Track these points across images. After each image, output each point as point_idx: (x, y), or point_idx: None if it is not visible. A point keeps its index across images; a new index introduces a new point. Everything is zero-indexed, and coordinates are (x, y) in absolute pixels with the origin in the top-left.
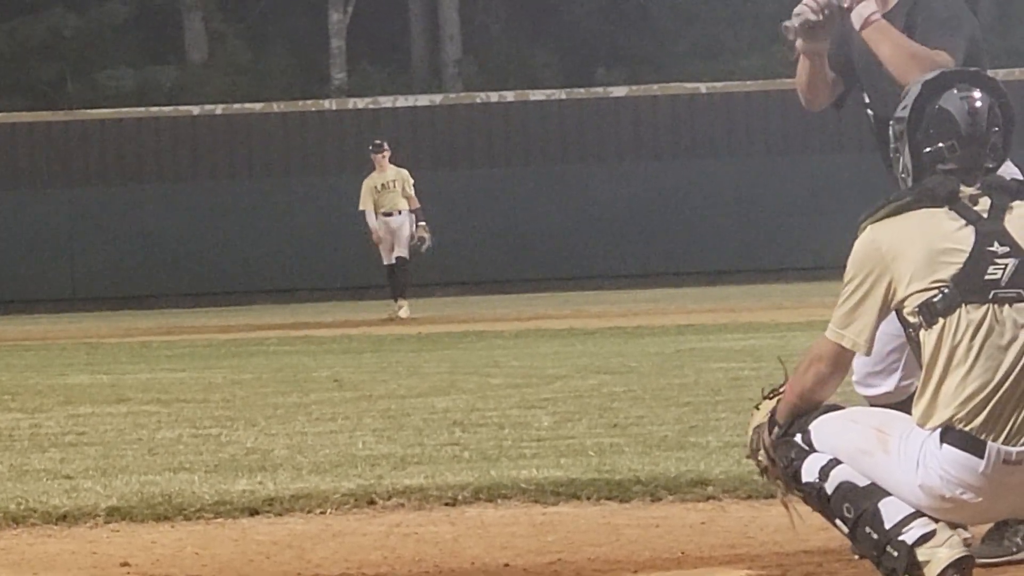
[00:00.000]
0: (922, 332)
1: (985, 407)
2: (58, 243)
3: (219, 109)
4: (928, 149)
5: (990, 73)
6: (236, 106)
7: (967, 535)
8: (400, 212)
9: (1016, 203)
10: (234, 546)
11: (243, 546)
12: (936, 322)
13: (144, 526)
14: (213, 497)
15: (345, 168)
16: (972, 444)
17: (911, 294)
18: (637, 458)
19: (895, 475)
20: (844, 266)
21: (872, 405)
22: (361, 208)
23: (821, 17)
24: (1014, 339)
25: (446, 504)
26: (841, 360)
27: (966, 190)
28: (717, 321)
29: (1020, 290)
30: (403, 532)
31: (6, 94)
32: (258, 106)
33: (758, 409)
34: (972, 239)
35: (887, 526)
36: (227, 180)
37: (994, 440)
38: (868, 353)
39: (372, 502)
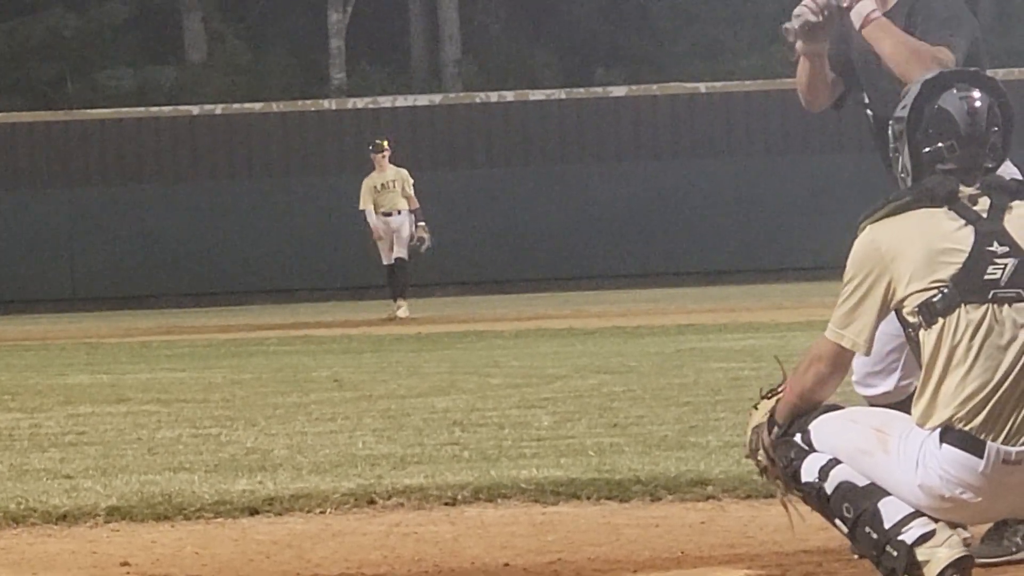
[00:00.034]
0: (921, 332)
1: (985, 407)
2: (58, 243)
3: (219, 109)
4: (927, 149)
5: (989, 73)
6: (236, 106)
7: (966, 535)
8: (399, 212)
9: (1015, 203)
10: (234, 546)
11: (243, 546)
12: (936, 322)
13: (144, 526)
14: (213, 497)
15: (345, 168)
16: (972, 444)
17: (910, 294)
18: (637, 458)
19: (894, 475)
20: (844, 266)
21: (871, 405)
22: (361, 208)
23: (821, 18)
24: (1013, 339)
25: (446, 504)
26: (841, 360)
27: (965, 190)
28: (717, 321)
29: (1019, 290)
30: (403, 532)
31: (6, 94)
32: (257, 106)
33: (756, 409)
34: (971, 239)
35: (886, 526)
36: (227, 180)
37: (994, 440)
38: (868, 353)
39: (372, 502)
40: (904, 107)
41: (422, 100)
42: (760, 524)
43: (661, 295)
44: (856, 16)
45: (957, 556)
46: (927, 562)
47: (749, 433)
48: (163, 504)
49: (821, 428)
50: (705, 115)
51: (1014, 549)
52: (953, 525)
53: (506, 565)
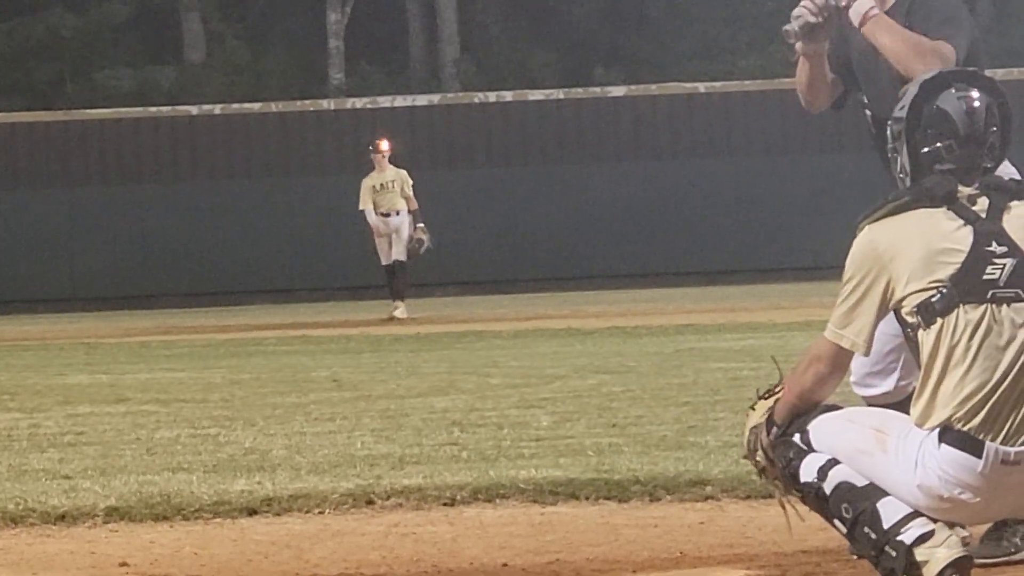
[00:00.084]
0: (920, 332)
1: (983, 407)
2: (57, 243)
3: (217, 109)
4: (926, 149)
5: (988, 73)
6: (235, 106)
7: (964, 533)
8: (398, 213)
9: (1014, 203)
10: (232, 546)
11: (241, 546)
12: (934, 322)
13: (143, 526)
14: (212, 497)
15: (344, 168)
16: (970, 444)
17: (909, 294)
18: (636, 458)
19: (893, 475)
20: (843, 266)
21: (870, 405)
22: (361, 208)
23: (820, 19)
24: (1012, 339)
25: (444, 504)
26: (840, 360)
27: (964, 190)
28: (716, 321)
29: (1018, 290)
30: (401, 532)
31: (5, 94)
32: (256, 106)
33: (754, 410)
34: (970, 239)
35: (885, 526)
36: (226, 180)
37: (992, 440)
38: (867, 353)
39: (370, 502)
40: (903, 107)
41: (421, 100)
42: (759, 524)
43: (660, 295)
44: (855, 14)
45: (956, 556)
46: (926, 562)
47: (747, 433)
48: (162, 504)
49: (820, 428)
50: (704, 115)
51: (1013, 549)
52: (952, 525)
53: (505, 565)
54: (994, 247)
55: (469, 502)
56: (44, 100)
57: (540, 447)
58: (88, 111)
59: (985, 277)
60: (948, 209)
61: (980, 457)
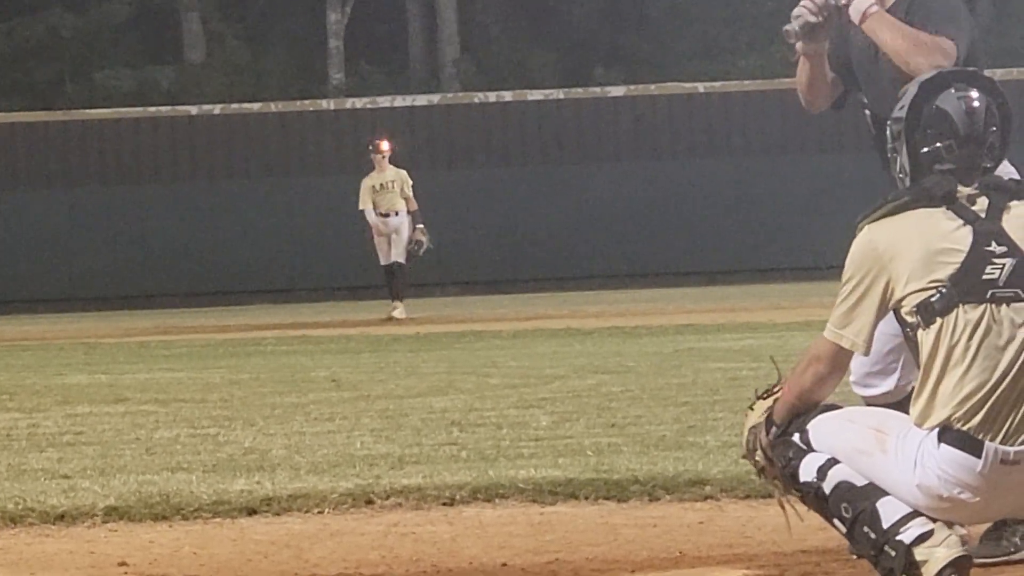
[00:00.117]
0: (920, 332)
1: (983, 407)
2: (56, 243)
3: (217, 109)
4: (926, 149)
5: (987, 73)
6: (234, 106)
7: (963, 531)
8: (397, 213)
9: (1014, 203)
10: (232, 546)
11: (241, 546)
12: (934, 322)
13: (142, 526)
14: (211, 497)
15: (343, 168)
16: (970, 444)
17: (909, 294)
18: (635, 458)
19: (893, 475)
20: (843, 266)
21: (871, 405)
22: (361, 208)
23: (820, 18)
24: (1012, 338)
25: (444, 504)
26: (840, 360)
27: (964, 190)
28: (715, 321)
29: (1018, 289)
30: (401, 532)
31: (5, 94)
32: (256, 106)
33: (752, 409)
34: (970, 239)
35: (885, 526)
36: (225, 180)
37: (992, 440)
38: (867, 353)
39: (370, 502)
40: (902, 107)
41: (420, 100)
42: (758, 524)
43: (659, 295)
44: (855, 12)
45: (955, 556)
46: (925, 562)
47: (746, 433)
48: (161, 504)
49: (819, 428)
50: (703, 115)
51: (1012, 549)
52: (951, 524)
53: (504, 565)
54: (993, 247)
55: (468, 502)
56: (44, 100)
57: (539, 447)
58: (88, 111)
59: (984, 277)
60: (947, 209)
61: (979, 457)
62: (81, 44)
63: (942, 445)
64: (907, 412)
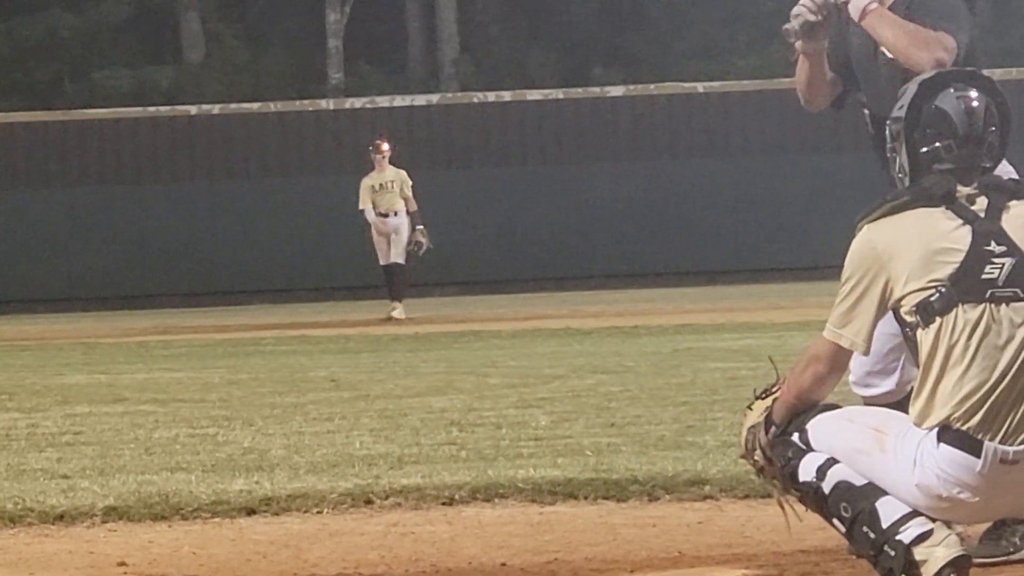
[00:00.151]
0: (919, 331)
1: (982, 406)
2: (55, 243)
3: (216, 109)
4: (925, 149)
5: (987, 73)
6: (233, 106)
7: (960, 529)
8: (396, 213)
9: (1013, 202)
10: (231, 546)
11: (240, 546)
12: (933, 321)
13: (141, 526)
14: (210, 497)
15: (342, 168)
16: (969, 443)
17: (908, 293)
18: (634, 457)
19: (892, 474)
20: (842, 266)
21: (871, 405)
22: (360, 207)
23: (820, 17)
24: (1011, 338)
25: (443, 504)
26: (839, 359)
27: (963, 190)
28: (714, 321)
29: (1017, 289)
30: (400, 532)
31: (4, 94)
32: (255, 106)
33: (751, 409)
34: (969, 238)
35: (884, 525)
36: (224, 180)
37: (991, 439)
38: (866, 353)
39: (369, 502)
40: (901, 107)
41: (420, 100)
42: (757, 524)
43: (658, 295)
44: (854, 9)
45: (955, 555)
46: (924, 561)
47: (745, 433)
48: (160, 504)
49: (818, 427)
50: (703, 115)
51: (1012, 549)
52: (950, 524)
53: (503, 565)
54: (993, 246)
55: (468, 502)
56: (43, 100)
57: (538, 447)
58: (87, 111)
59: (984, 276)
60: (947, 209)
61: (979, 456)
62: (80, 44)
63: (941, 445)
64: (907, 412)
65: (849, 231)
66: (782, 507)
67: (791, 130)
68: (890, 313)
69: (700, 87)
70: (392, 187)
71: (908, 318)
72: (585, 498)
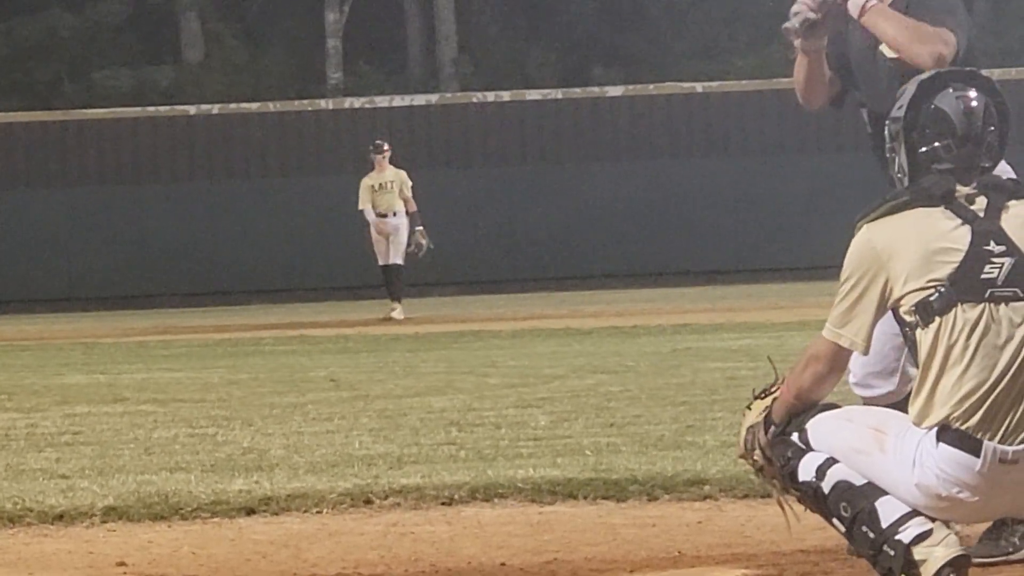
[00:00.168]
0: (918, 331)
1: (981, 406)
2: (55, 243)
3: (216, 109)
4: (924, 149)
5: (985, 73)
6: (233, 106)
7: (959, 529)
8: (395, 214)
9: (1012, 202)
10: (231, 546)
11: (240, 546)
12: (932, 321)
13: (140, 526)
14: (210, 497)
15: (342, 168)
16: (968, 443)
17: (907, 293)
18: (634, 457)
19: (892, 474)
20: (841, 266)
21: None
22: (360, 207)
23: (819, 15)
24: (1010, 338)
25: (443, 503)
26: (839, 359)
27: (962, 189)
28: (714, 321)
29: (1016, 289)
30: (400, 531)
31: (3, 94)
32: (255, 106)
33: (750, 409)
34: (968, 238)
35: (884, 525)
36: (224, 180)
37: (990, 439)
38: (866, 352)
39: (369, 501)
40: (900, 107)
41: (419, 100)
42: (757, 524)
43: (658, 295)
44: (854, 6)
45: (954, 555)
46: (924, 561)
47: (744, 433)
48: (160, 504)
49: (818, 427)
50: (702, 115)
51: (1011, 549)
52: (949, 524)
53: (503, 565)
54: (992, 246)
55: (467, 502)
56: (42, 100)
57: (538, 447)
58: (86, 111)
59: (983, 276)
60: (946, 208)
61: (978, 456)
62: (79, 44)
63: (941, 444)
64: (906, 412)
65: (849, 231)
66: (781, 507)
67: (791, 130)
68: (890, 313)
69: (699, 87)
70: (391, 187)
71: (907, 318)
72: (585, 498)
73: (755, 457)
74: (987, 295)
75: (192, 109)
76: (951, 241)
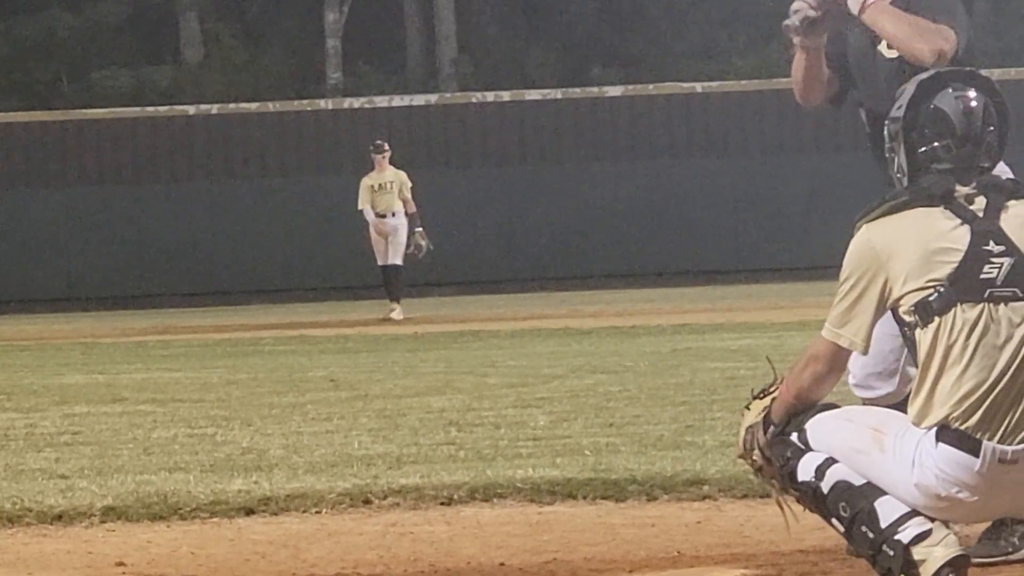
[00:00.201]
0: (918, 331)
1: (981, 406)
2: (54, 243)
3: (215, 109)
4: (923, 149)
5: (985, 73)
6: (232, 106)
7: (958, 528)
8: (394, 214)
9: (1012, 202)
10: (230, 546)
11: (239, 546)
12: (932, 321)
13: (139, 526)
14: (209, 497)
15: (341, 168)
16: (968, 443)
17: (906, 293)
18: (633, 457)
19: (891, 474)
20: (840, 266)
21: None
22: (360, 207)
23: (820, 12)
24: (1009, 338)
25: (442, 503)
26: (838, 359)
27: (962, 189)
28: (713, 321)
29: (1016, 289)
30: (399, 531)
31: (2, 94)
32: (254, 106)
33: (749, 409)
34: (967, 238)
35: (883, 525)
36: (223, 180)
37: (990, 439)
38: (865, 352)
39: (368, 501)
40: (900, 107)
41: (418, 100)
42: (756, 524)
43: (657, 295)
44: (854, 3)
45: (953, 555)
46: (923, 561)
47: (743, 433)
48: (159, 504)
49: (817, 427)
50: (701, 115)
51: (1010, 549)
52: (949, 524)
53: (502, 565)
54: (991, 246)
55: (466, 502)
56: (41, 100)
57: (537, 447)
58: (85, 111)
59: (982, 276)
60: (945, 208)
61: (977, 456)
62: (78, 44)
63: (940, 444)
64: (906, 412)
65: (848, 231)
66: (780, 507)
67: (790, 130)
68: (889, 313)
69: (699, 87)
70: (391, 188)
71: (907, 318)
72: (584, 498)
73: (754, 457)
74: (986, 295)
75: (191, 109)
76: (950, 241)
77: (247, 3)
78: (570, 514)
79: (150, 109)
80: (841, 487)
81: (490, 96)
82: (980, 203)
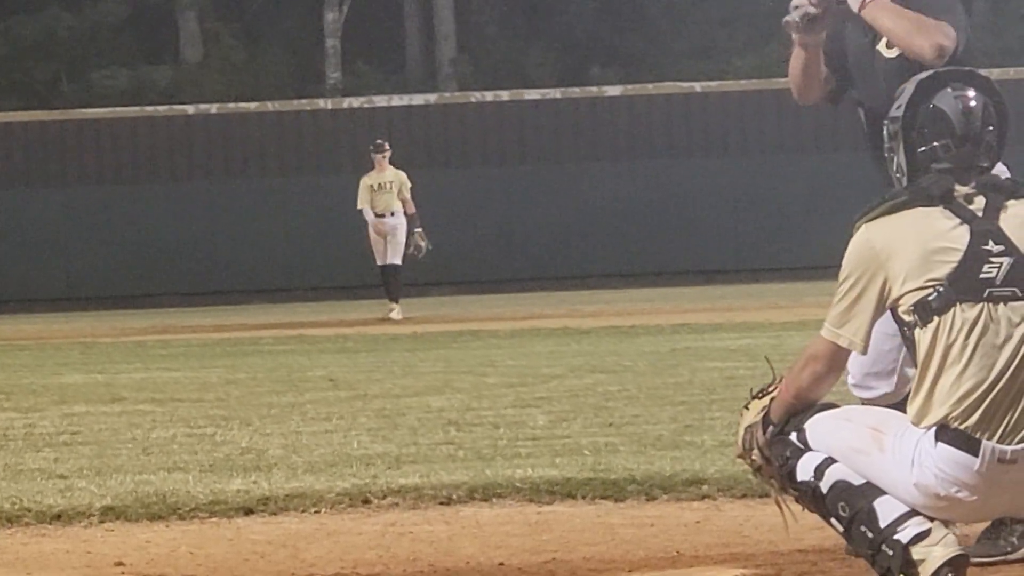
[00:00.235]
0: (917, 331)
1: (980, 406)
2: (53, 242)
3: (214, 108)
4: (923, 148)
5: (984, 73)
6: (231, 105)
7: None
8: (393, 214)
9: (1011, 202)
10: (229, 545)
11: (238, 545)
12: (931, 321)
13: (139, 526)
14: (208, 496)
15: (340, 168)
16: (967, 442)
17: (906, 293)
18: (632, 457)
19: (890, 474)
20: (840, 265)
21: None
22: (359, 207)
23: (820, 9)
24: (1009, 337)
25: (441, 503)
26: (837, 359)
27: (961, 189)
28: (712, 320)
29: (1015, 288)
30: (398, 531)
31: (2, 94)
32: (253, 105)
33: (748, 409)
34: (967, 238)
35: (882, 525)
36: (222, 180)
37: (989, 438)
38: (864, 352)
39: (367, 501)
40: (899, 106)
41: (417, 99)
42: (755, 523)
43: (656, 294)
44: (854, 1)
45: (952, 555)
46: (922, 561)
47: (742, 432)
48: (158, 504)
49: (816, 427)
50: (701, 115)
51: (1009, 548)
52: (948, 523)
53: (501, 565)
54: (991, 246)
55: (465, 501)
56: (40, 99)
57: (536, 446)
58: (84, 110)
59: (982, 276)
60: (945, 208)
61: (977, 456)
62: (78, 43)
63: (939, 444)
64: (905, 412)
65: (848, 231)
66: (779, 507)
67: (790, 130)
68: (888, 313)
69: (698, 87)
70: (390, 188)
71: (906, 317)
72: (583, 498)
73: (753, 457)
74: (986, 295)
75: (191, 109)
76: (950, 241)
77: (246, 3)
78: (569, 514)
79: (149, 109)
80: (840, 487)
81: (489, 96)
82: (979, 203)
